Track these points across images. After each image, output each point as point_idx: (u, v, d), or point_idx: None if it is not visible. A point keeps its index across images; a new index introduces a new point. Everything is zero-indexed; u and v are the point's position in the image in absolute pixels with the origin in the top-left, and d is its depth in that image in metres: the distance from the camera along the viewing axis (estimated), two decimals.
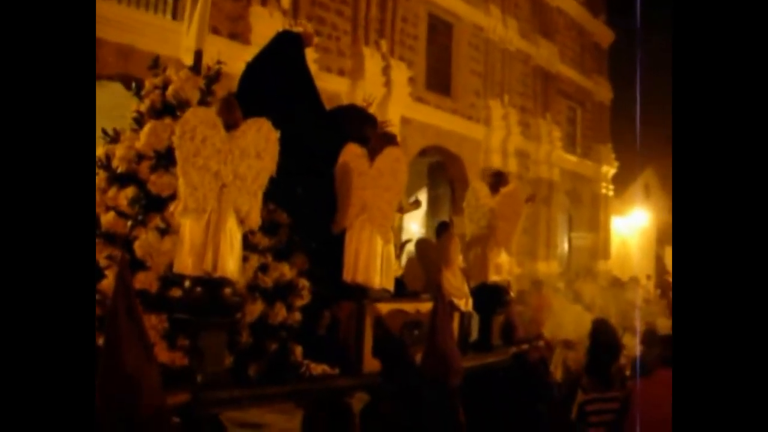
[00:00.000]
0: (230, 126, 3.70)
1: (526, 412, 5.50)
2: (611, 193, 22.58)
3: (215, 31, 11.41)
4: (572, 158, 21.27)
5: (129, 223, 3.93)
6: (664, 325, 10.73)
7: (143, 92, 4.41)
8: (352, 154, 4.35)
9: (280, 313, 4.08)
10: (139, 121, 4.26)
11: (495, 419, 5.13)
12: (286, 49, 5.13)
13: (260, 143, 3.71)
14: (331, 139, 4.75)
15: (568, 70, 21.27)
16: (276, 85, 4.84)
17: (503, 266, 5.42)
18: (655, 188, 24.12)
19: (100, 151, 4.43)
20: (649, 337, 6.17)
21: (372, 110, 10.14)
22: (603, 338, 6.18)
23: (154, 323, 3.79)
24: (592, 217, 21.85)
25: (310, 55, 12.23)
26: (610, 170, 22.44)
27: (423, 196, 17.51)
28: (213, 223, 3.60)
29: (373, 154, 4.37)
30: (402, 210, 4.67)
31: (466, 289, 5.16)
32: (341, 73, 14.60)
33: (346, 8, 15.11)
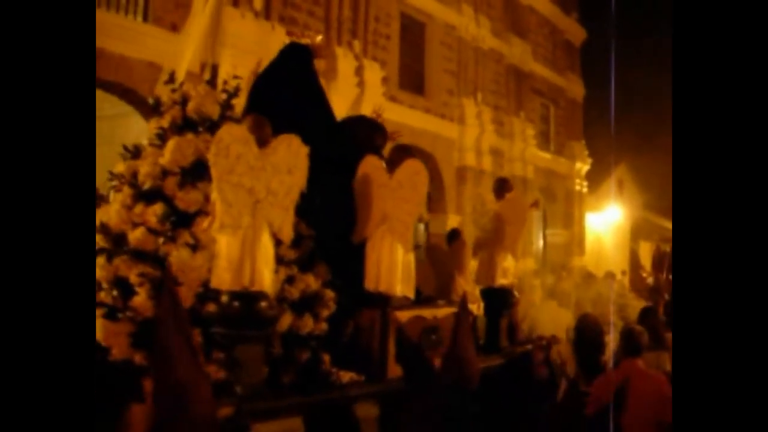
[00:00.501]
0: (262, 143, 3.85)
1: (533, 410, 5.74)
2: (585, 189, 23.01)
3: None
4: (546, 155, 21.61)
5: (161, 240, 4.05)
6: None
7: (163, 108, 4.53)
8: (371, 165, 4.53)
9: (308, 323, 4.25)
10: (162, 137, 4.38)
11: (504, 419, 5.35)
12: (295, 61, 5.27)
13: (291, 159, 3.87)
14: (344, 149, 4.92)
15: (540, 68, 21.57)
16: (287, 97, 4.98)
17: (509, 269, 5.65)
18: (628, 184, 24.58)
19: (121, 167, 4.54)
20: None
21: (345, 110, 10.27)
22: (588, 334, 6.49)
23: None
24: (566, 213, 22.26)
25: None
26: (583, 167, 22.87)
27: None
28: (249, 239, 3.75)
29: (391, 166, 4.55)
30: (422, 220, 4.86)
31: (477, 293, 5.38)
32: None
33: (318, 9, 15.11)
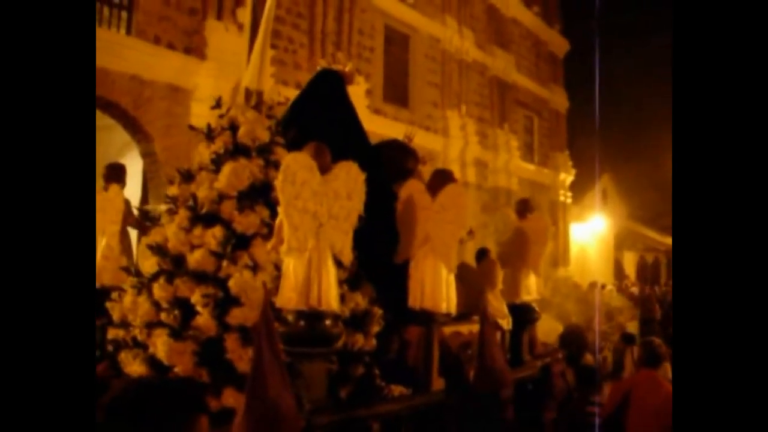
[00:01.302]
0: (323, 169, 4.16)
1: (551, 418, 6.14)
2: (569, 200, 23.66)
3: (170, 46, 11.70)
4: (530, 167, 22.19)
5: (224, 262, 4.33)
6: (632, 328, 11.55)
7: (214, 133, 4.82)
8: (414, 189, 4.86)
9: (359, 340, 4.55)
10: (217, 162, 4.67)
11: (526, 428, 5.72)
12: (328, 87, 5.59)
13: (350, 185, 4.18)
14: (380, 172, 5.24)
15: (524, 80, 22.22)
16: (323, 121, 5.30)
17: (532, 286, 6.03)
18: (612, 194, 25.30)
19: (174, 190, 4.82)
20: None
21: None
22: (578, 344, 6.97)
23: (251, 356, 4.22)
24: (555, 221, 22.82)
25: (269, 69, 12.63)
26: (567, 178, 23.51)
27: None
28: (314, 261, 4.04)
29: (433, 190, 4.89)
30: (463, 241, 5.20)
31: (505, 309, 5.74)
32: (298, 86, 14.57)
33: (302, 21, 15.53)
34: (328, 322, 4.07)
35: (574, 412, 6.34)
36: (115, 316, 4.77)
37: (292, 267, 4.05)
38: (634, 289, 20.00)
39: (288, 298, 4.04)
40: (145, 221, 5.04)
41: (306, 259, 4.03)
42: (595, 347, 8.47)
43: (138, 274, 4.74)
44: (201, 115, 11.82)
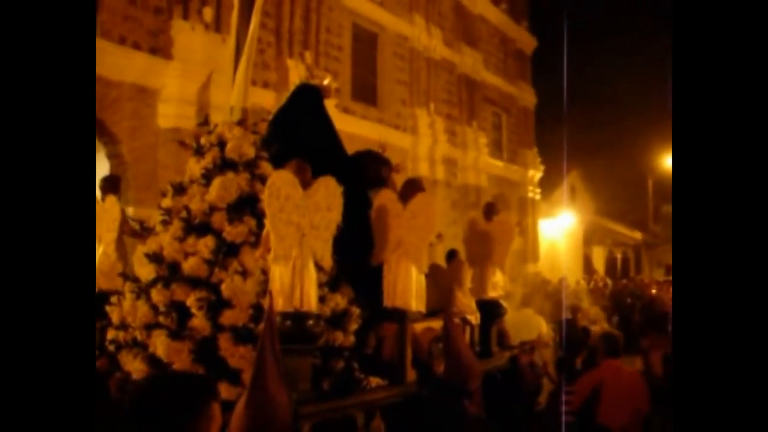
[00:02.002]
0: (305, 184, 4.74)
1: (521, 407, 6.78)
2: (538, 196, 24.38)
3: (136, 46, 11.88)
4: (499, 163, 22.83)
5: (216, 269, 4.89)
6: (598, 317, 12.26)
7: (204, 150, 5.36)
8: (387, 198, 5.46)
9: (339, 337, 5.14)
10: (207, 176, 5.22)
11: (496, 416, 6.33)
12: (307, 102, 6.16)
13: (329, 198, 4.76)
14: (356, 181, 5.82)
15: (492, 77, 22.81)
16: (303, 137, 5.86)
17: (498, 283, 6.67)
18: (580, 190, 26.12)
19: (168, 201, 5.37)
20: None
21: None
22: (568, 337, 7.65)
23: (242, 353, 4.79)
24: (520, 220, 23.47)
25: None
26: (536, 174, 24.21)
27: None
28: (298, 267, 4.62)
29: (404, 198, 5.49)
30: (432, 244, 5.79)
31: (474, 305, 6.37)
32: (266, 85, 15.14)
33: (269, 20, 15.51)
34: (311, 321, 4.66)
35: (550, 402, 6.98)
36: (115, 318, 5.30)
37: (278, 273, 4.62)
38: (601, 284, 20.74)
39: (275, 300, 4.61)
40: (142, 231, 5.56)
41: (290, 266, 4.61)
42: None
43: (135, 279, 5.27)
44: (168, 115, 12.43)
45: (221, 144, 5.36)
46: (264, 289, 4.84)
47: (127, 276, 5.35)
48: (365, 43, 18.85)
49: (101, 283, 5.71)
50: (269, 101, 14.50)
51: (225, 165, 5.27)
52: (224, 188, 5.09)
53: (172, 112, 12.50)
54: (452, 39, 21.21)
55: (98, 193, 5.96)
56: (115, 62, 11.34)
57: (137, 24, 12.40)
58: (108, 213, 5.81)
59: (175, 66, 12.33)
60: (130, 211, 11.65)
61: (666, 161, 27.36)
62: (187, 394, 2.64)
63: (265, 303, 4.65)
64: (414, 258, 5.35)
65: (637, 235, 29.36)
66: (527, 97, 24.64)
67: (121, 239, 5.90)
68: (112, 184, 6.09)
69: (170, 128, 12.44)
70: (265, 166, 5.36)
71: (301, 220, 4.67)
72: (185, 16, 12.95)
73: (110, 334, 5.32)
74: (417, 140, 19.00)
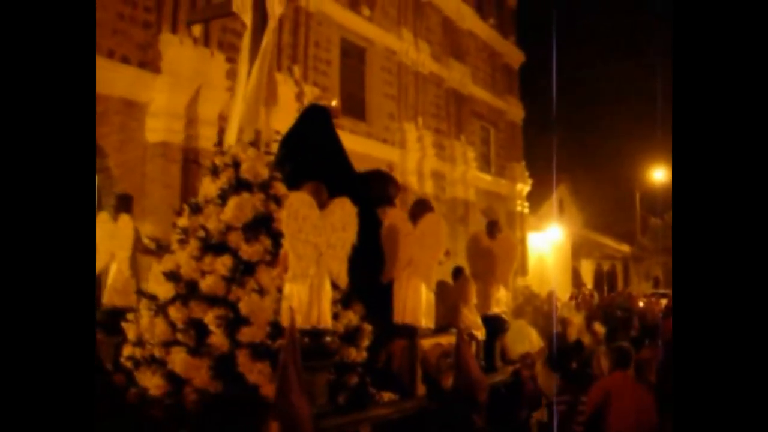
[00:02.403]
0: (321, 205, 4.96)
1: (523, 419, 7.01)
2: (526, 210, 24.69)
3: (124, 59, 11.99)
4: (487, 177, 23.12)
5: (233, 286, 5.09)
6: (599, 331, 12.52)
7: (219, 170, 5.56)
8: (397, 217, 5.69)
9: (352, 352, 5.35)
10: (222, 197, 5.42)
11: (500, 429, 6.57)
12: (317, 122, 6.39)
13: (345, 218, 4.98)
14: (364, 200, 6.05)
15: (480, 91, 23.13)
16: (315, 158, 6.09)
17: (501, 299, 6.92)
18: (568, 203, 26.50)
19: (184, 221, 5.56)
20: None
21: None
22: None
23: (260, 368, 4.99)
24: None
25: (223, 82, 13.19)
26: (524, 188, 24.52)
27: None
28: (315, 286, 4.83)
29: (413, 217, 5.72)
30: (441, 262, 6.02)
31: (479, 321, 6.60)
32: None
33: None
34: (328, 338, 4.87)
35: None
36: (131, 335, 5.49)
37: (295, 291, 4.83)
38: (587, 295, 20.99)
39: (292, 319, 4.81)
40: (158, 249, 5.74)
41: (308, 285, 4.82)
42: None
43: (152, 297, 5.45)
44: (156, 129, 12.53)
45: (236, 165, 5.56)
46: (280, 306, 5.05)
47: (144, 293, 5.52)
48: (354, 58, 19.07)
49: (115, 300, 5.90)
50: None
51: (240, 185, 5.48)
52: (240, 208, 5.29)
53: (160, 126, 12.61)
54: (440, 53, 21.49)
55: (111, 211, 6.14)
56: (103, 76, 11.18)
57: (126, 38, 12.48)
58: (122, 231, 6.01)
59: (163, 80, 12.44)
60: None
61: (654, 174, 27.82)
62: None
63: (283, 320, 4.87)
64: (424, 275, 5.58)
65: (625, 248, 29.83)
66: (515, 111, 24.99)
67: (135, 257, 6.08)
68: (125, 203, 6.29)
69: (158, 142, 12.58)
70: (279, 187, 5.57)
71: (318, 239, 4.88)
72: (174, 30, 13.06)
73: (126, 351, 5.50)
74: (405, 154, 19.12)
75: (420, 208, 5.81)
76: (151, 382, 5.16)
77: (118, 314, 5.72)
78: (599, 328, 12.50)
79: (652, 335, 13.33)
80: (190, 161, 6.73)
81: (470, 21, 22.69)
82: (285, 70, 16.05)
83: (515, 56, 25.26)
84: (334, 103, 6.95)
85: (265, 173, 5.54)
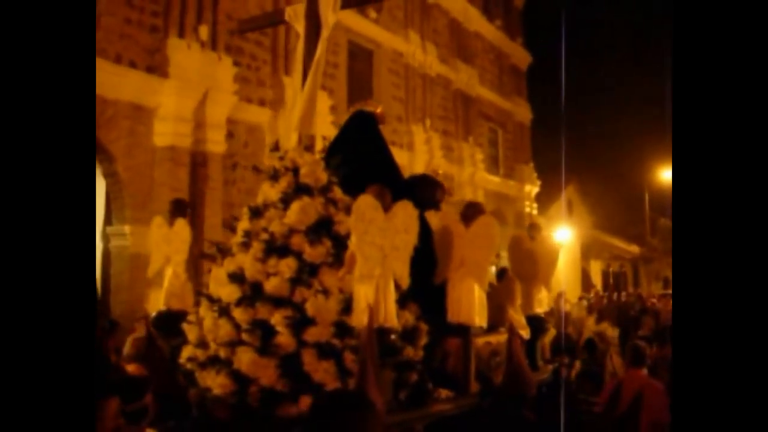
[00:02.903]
0: (385, 208, 5.21)
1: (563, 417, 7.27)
2: (535, 211, 25.01)
3: (132, 64, 12.30)
4: (495, 179, 23.43)
5: (297, 288, 5.34)
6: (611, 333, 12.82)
7: (279, 175, 5.81)
8: (450, 219, 5.95)
9: (410, 351, 5.60)
10: (285, 201, 5.66)
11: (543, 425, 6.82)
12: (363, 127, 6.65)
13: (407, 221, 5.24)
14: (414, 203, 6.31)
15: (487, 93, 23.47)
16: (366, 162, 6.34)
17: (543, 300, 7.20)
18: (577, 204, 26.82)
19: (245, 224, 5.80)
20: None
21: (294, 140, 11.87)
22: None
23: (326, 367, 5.23)
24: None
25: (230, 86, 13.53)
26: (533, 189, 24.86)
27: None
28: (381, 286, 5.09)
29: (466, 219, 5.98)
30: (495, 263, 6.29)
31: (524, 321, 6.87)
32: (262, 103, 15.65)
33: (265, 38, 16.11)
34: (393, 336, 5.12)
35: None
36: (191, 337, 5.73)
37: (362, 292, 5.08)
38: (594, 296, 21.26)
39: (359, 318, 5.07)
40: (218, 252, 5.98)
41: (374, 285, 5.07)
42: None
43: (212, 300, 5.70)
44: (164, 133, 12.82)
45: (295, 170, 5.81)
46: (343, 307, 5.31)
47: (206, 296, 5.76)
48: (361, 60, 19.31)
49: (171, 303, 6.14)
50: (265, 118, 15.39)
51: (299, 189, 5.73)
52: (303, 212, 5.53)
53: (168, 131, 12.87)
54: (447, 55, 21.80)
55: (167, 216, 6.38)
56: (111, 81, 11.67)
57: (133, 42, 12.79)
58: (177, 235, 6.24)
59: (171, 84, 12.67)
60: (126, 229, 12.05)
61: (663, 175, 28.18)
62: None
63: (353, 320, 5.13)
64: (476, 276, 5.84)
65: (635, 248, 30.16)
66: (523, 112, 25.33)
67: (190, 261, 6.32)
68: (179, 208, 6.53)
69: (166, 146, 12.86)
70: (337, 191, 5.82)
71: (383, 241, 5.14)
72: (181, 35, 13.34)
73: (187, 352, 5.74)
74: (413, 156, 19.36)
75: (472, 211, 6.08)
76: (216, 382, 5.38)
77: (175, 317, 5.95)
78: (610, 331, 12.78)
79: (663, 335, 13.58)
80: (252, 169, 6.92)
81: (477, 23, 23.04)
82: (292, 73, 16.25)
83: (522, 57, 25.62)
84: (379, 109, 7.20)
85: (324, 178, 5.79)
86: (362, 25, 18.98)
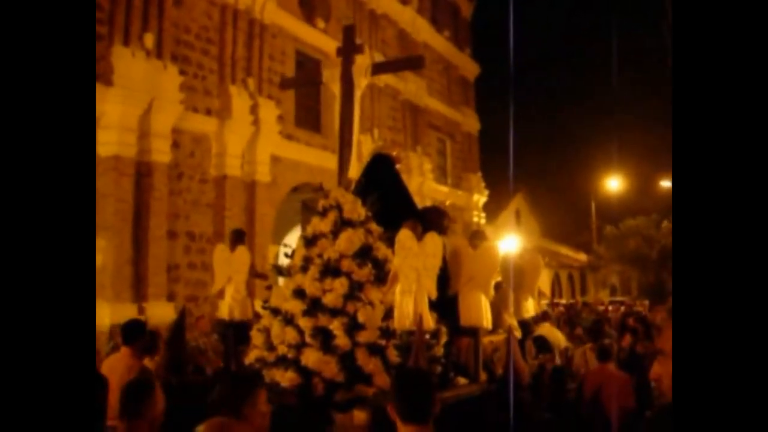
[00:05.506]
0: (418, 238, 7.53)
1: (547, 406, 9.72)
2: (483, 220, 27.53)
3: None
4: (444, 189, 25.76)
5: (348, 301, 7.61)
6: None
7: (326, 211, 8.06)
8: (460, 243, 8.31)
9: (436, 348, 7.92)
10: (334, 233, 7.91)
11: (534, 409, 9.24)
12: (383, 167, 8.97)
13: (434, 247, 7.55)
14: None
15: (436, 103, 25.82)
16: (391, 199, 8.64)
17: (530, 307, 9.64)
18: (525, 213, 29.45)
19: (302, 251, 8.04)
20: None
21: (241, 150, 13.13)
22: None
23: (374, 362, 7.50)
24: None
25: (176, 95, 15.30)
26: (481, 198, 27.37)
27: (297, 233, 20.74)
28: (418, 298, 7.39)
29: (473, 243, 8.35)
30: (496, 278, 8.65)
31: (516, 324, 9.26)
32: (208, 112, 17.09)
33: (212, 47, 17.71)
34: (428, 336, 7.44)
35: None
36: (258, 341, 7.92)
37: (404, 303, 7.37)
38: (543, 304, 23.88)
39: (402, 323, 7.36)
40: (279, 273, 8.22)
41: (413, 298, 7.38)
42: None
43: (276, 311, 7.90)
44: (108, 142, 13.96)
45: (339, 207, 8.08)
46: (385, 315, 7.59)
47: (272, 308, 7.96)
48: (309, 70, 20.62)
49: (236, 314, 8.35)
50: (212, 128, 16.88)
51: (344, 223, 7.99)
52: (350, 241, 7.80)
53: (112, 140, 13.95)
54: None
55: (227, 243, 8.61)
56: None
57: (110, 63, 13.99)
58: (238, 259, 8.46)
59: (115, 92, 13.75)
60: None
61: (608, 184, 31.12)
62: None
63: (395, 323, 7.43)
64: (483, 289, 8.20)
65: (582, 256, 33.05)
66: (471, 122, 27.80)
67: (250, 280, 8.53)
68: (239, 237, 8.75)
69: (111, 156, 13.95)
70: (372, 223, 8.11)
71: (418, 263, 7.45)
72: (126, 43, 14.48)
73: (254, 354, 7.93)
74: (362, 166, 21.17)
75: (478, 237, 8.45)
76: (284, 377, 7.59)
77: (239, 326, 8.16)
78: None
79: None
80: (301, 204, 9.18)
81: (425, 33, 25.34)
82: (239, 82, 18.02)
83: (471, 68, 28.10)
84: (395, 153, 9.52)
85: (362, 213, 8.07)
86: (310, 35, 20.69)
